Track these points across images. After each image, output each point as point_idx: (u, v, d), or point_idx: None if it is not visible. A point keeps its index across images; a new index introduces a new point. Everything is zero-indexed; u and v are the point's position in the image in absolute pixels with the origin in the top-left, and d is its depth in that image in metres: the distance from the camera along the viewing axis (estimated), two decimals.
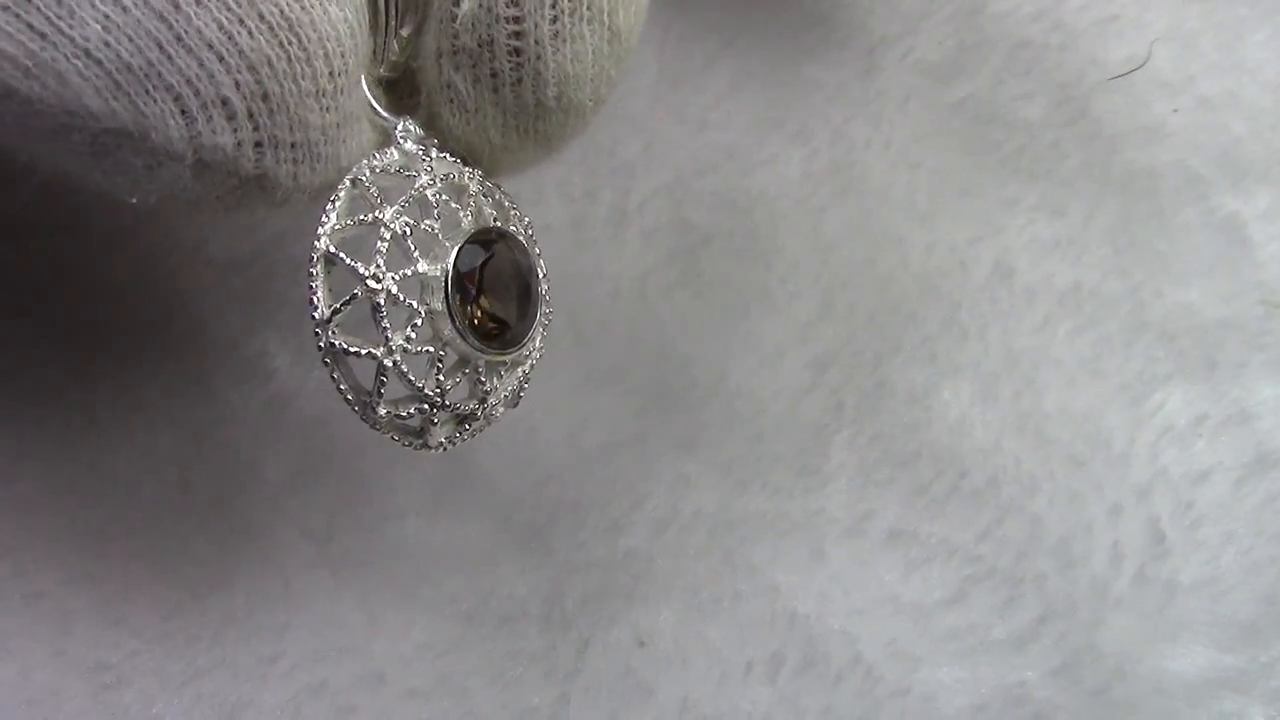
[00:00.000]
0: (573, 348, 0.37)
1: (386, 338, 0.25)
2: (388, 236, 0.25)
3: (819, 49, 0.41)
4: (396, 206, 0.26)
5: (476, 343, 0.26)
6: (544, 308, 0.28)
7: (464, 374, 0.27)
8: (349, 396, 0.27)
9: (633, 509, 0.35)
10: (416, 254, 0.26)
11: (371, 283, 0.25)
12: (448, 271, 0.26)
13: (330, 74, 0.25)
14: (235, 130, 0.24)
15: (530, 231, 0.29)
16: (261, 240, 0.35)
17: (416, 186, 0.26)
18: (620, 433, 0.36)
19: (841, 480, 0.36)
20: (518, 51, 0.26)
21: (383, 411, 0.26)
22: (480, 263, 0.26)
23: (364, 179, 0.26)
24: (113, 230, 0.35)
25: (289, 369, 0.34)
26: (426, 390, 0.26)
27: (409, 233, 0.26)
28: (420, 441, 0.27)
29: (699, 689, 0.32)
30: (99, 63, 0.23)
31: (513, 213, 0.28)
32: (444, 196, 0.27)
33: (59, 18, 0.23)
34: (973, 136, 0.41)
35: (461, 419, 0.28)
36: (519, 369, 0.28)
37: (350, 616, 0.32)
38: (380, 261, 0.25)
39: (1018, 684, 0.34)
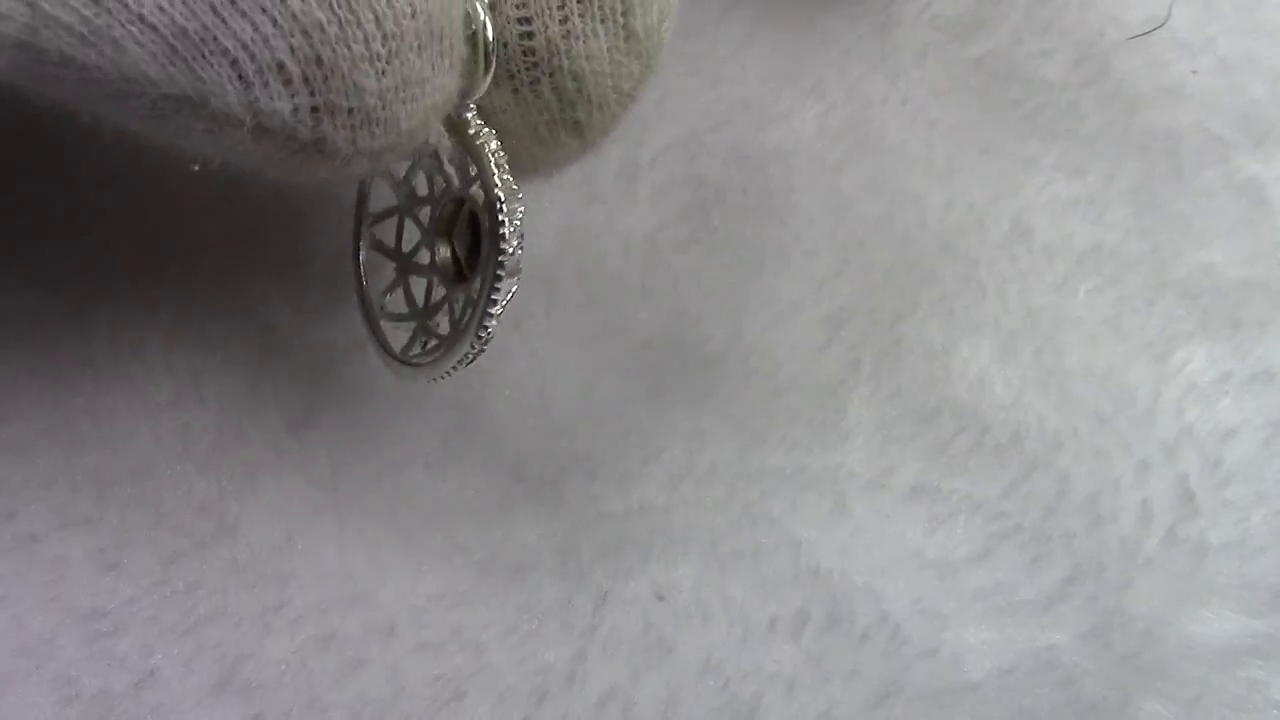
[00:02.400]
0: (585, 303, 0.36)
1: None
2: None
3: (835, 2, 0.40)
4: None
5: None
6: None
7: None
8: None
9: (647, 461, 0.33)
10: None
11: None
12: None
13: (383, 37, 0.24)
14: (293, 95, 0.24)
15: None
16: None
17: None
18: (633, 388, 0.35)
19: (860, 437, 0.35)
20: (531, 52, 0.26)
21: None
22: None
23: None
24: (105, 173, 0.33)
25: (290, 317, 0.33)
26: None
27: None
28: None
29: (721, 646, 0.31)
30: (154, 28, 0.23)
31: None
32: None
33: None
34: (991, 94, 0.40)
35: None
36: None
37: (358, 565, 0.31)
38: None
39: (1046, 648, 0.33)
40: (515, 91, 0.27)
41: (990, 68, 0.40)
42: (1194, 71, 0.41)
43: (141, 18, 0.23)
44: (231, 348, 0.33)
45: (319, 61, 0.24)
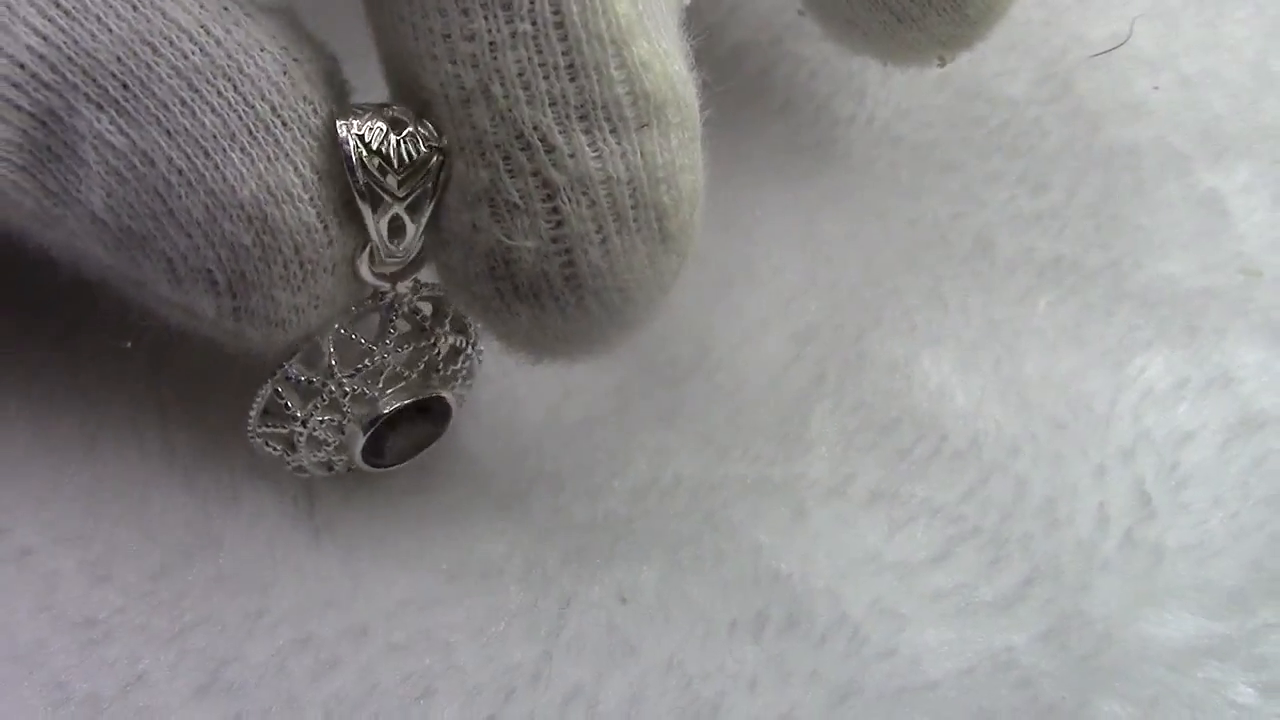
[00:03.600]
0: None
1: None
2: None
3: (801, 23, 0.42)
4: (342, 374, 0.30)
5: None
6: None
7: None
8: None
9: (612, 476, 0.35)
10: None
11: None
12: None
13: (300, 264, 0.28)
14: (217, 297, 0.28)
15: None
16: None
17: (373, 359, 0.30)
18: (600, 408, 0.36)
19: (822, 447, 0.36)
20: (573, 278, 0.27)
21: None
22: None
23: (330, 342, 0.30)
24: None
25: None
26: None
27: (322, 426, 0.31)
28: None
29: (683, 647, 0.32)
30: (104, 223, 0.27)
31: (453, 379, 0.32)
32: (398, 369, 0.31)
33: (69, 183, 0.27)
34: (956, 112, 0.41)
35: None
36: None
37: (333, 573, 0.32)
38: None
39: (1005, 649, 0.34)
40: (561, 314, 0.27)
41: (955, 86, 0.42)
42: (1156, 88, 0.42)
43: (93, 214, 0.27)
44: (213, 371, 0.34)
45: (242, 275, 0.27)
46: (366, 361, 0.30)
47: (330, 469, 0.32)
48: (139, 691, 0.30)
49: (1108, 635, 0.34)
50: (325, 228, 0.27)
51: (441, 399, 0.32)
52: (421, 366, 0.31)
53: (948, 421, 0.36)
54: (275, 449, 0.31)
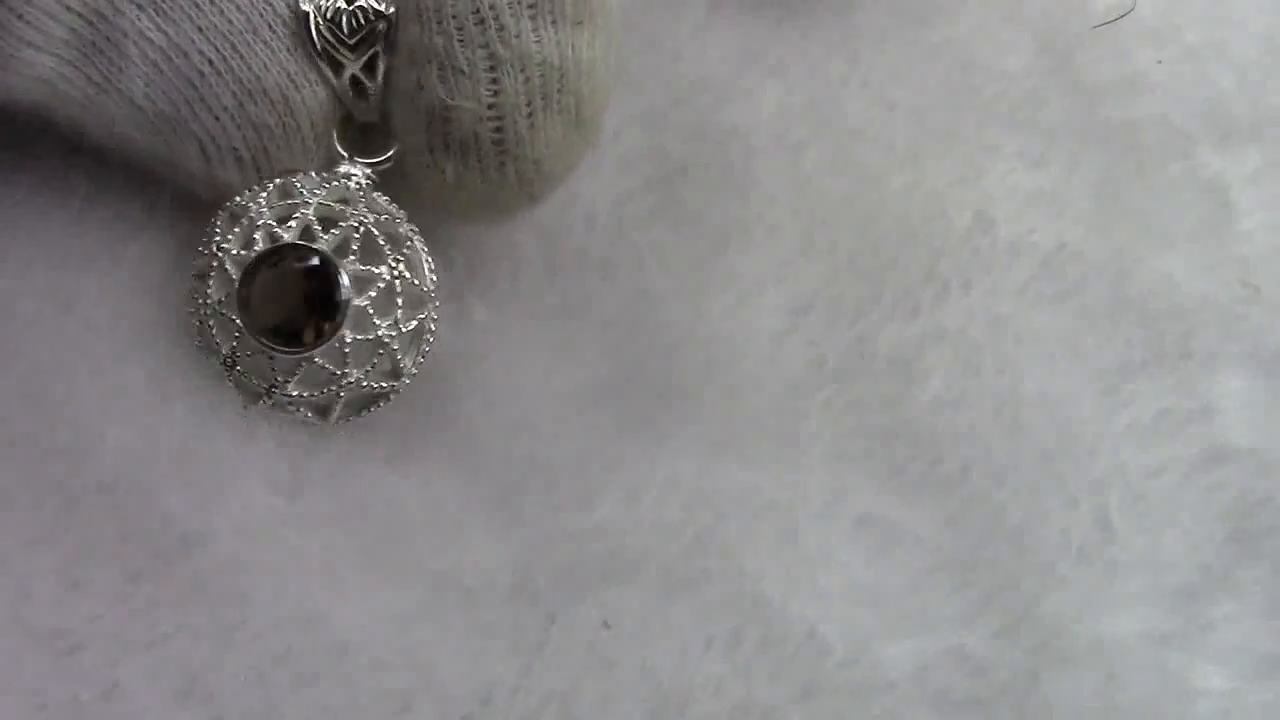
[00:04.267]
0: (545, 275, 0.37)
1: (216, 344, 0.30)
2: (221, 257, 0.31)
3: None
4: (271, 207, 0.31)
5: (268, 342, 0.30)
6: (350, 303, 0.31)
7: (306, 365, 0.31)
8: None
9: (607, 471, 0.34)
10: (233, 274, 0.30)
11: (202, 303, 0.31)
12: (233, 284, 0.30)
13: (316, 137, 0.32)
14: (242, 172, 0.31)
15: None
16: None
17: (295, 200, 0.31)
18: (593, 376, 0.36)
19: (816, 450, 0.36)
20: (500, 143, 0.31)
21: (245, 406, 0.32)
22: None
23: (269, 185, 0.31)
24: (69, 146, 0.33)
25: None
26: (262, 385, 0.30)
27: (237, 254, 0.30)
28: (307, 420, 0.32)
29: (659, 661, 0.33)
30: (141, 110, 0.30)
31: (389, 263, 0.31)
32: (271, 222, 0.31)
33: (110, 74, 0.30)
34: (952, 80, 0.40)
35: (331, 400, 0.31)
36: (378, 347, 0.31)
37: (314, 583, 0.32)
38: (211, 286, 0.31)
39: (959, 645, 0.35)
40: (483, 173, 0.31)
41: (951, 54, 0.40)
42: (1159, 61, 0.40)
43: (132, 101, 0.30)
44: (196, 353, 0.33)
45: (265, 151, 0.31)
46: (292, 199, 0.31)
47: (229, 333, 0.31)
48: (115, 700, 0.30)
49: (1058, 629, 0.36)
50: (331, 100, 0.31)
51: (324, 259, 0.31)
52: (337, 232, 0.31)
53: (943, 441, 0.36)
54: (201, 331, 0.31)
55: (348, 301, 0.30)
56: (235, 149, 0.31)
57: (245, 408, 0.32)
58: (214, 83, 0.30)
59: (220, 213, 0.31)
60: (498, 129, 0.31)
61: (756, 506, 0.34)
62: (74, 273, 0.33)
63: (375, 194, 0.32)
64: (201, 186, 0.32)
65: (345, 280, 0.30)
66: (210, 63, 0.30)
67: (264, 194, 0.31)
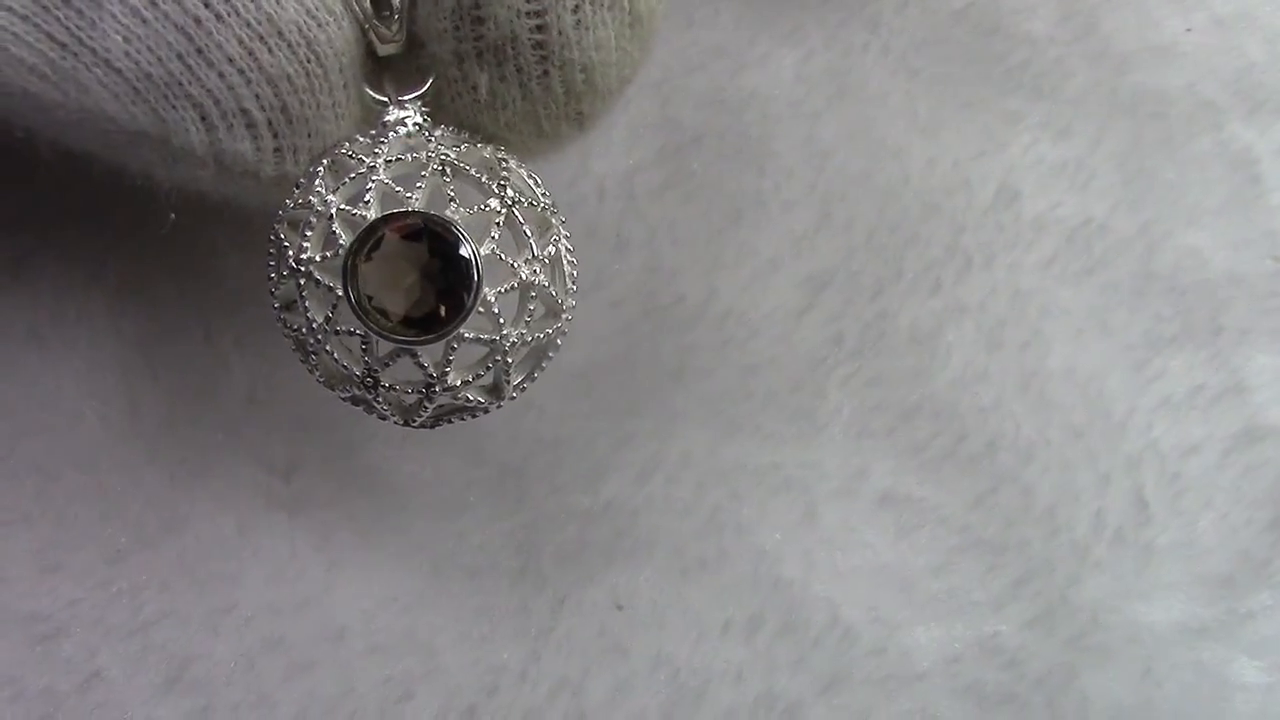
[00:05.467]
0: None
1: (308, 318, 0.26)
2: (315, 221, 0.25)
3: None
4: (332, 191, 0.26)
5: (379, 326, 0.26)
6: (479, 293, 0.26)
7: (405, 357, 0.26)
8: (308, 369, 0.27)
9: (616, 449, 0.33)
10: (343, 237, 0.25)
11: (293, 264, 0.25)
12: (342, 254, 0.25)
13: (344, 86, 0.26)
14: (255, 139, 0.25)
15: (520, 211, 0.27)
16: None
17: (359, 171, 0.26)
18: (604, 354, 0.34)
19: (836, 427, 0.34)
20: (541, 45, 0.26)
21: (326, 387, 0.27)
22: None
23: (321, 165, 0.26)
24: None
25: (239, 270, 0.32)
26: (354, 370, 0.26)
27: (334, 216, 0.25)
28: (381, 416, 0.27)
29: (674, 647, 0.31)
30: (119, 72, 0.24)
31: (496, 193, 0.27)
32: (386, 180, 0.26)
33: (80, 29, 0.24)
34: (974, 47, 0.38)
35: (419, 401, 0.27)
36: (493, 357, 0.27)
37: (308, 564, 0.30)
38: (307, 244, 0.25)
39: (991, 635, 0.33)
40: (522, 86, 0.27)
41: (974, 20, 0.38)
42: (1188, 30, 0.39)
43: (108, 62, 0.24)
44: (184, 308, 0.31)
45: (284, 109, 0.25)
46: (353, 174, 0.26)
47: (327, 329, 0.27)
48: (97, 688, 0.28)
49: (1095, 620, 0.34)
50: (356, 34, 0.26)
51: (444, 224, 0.26)
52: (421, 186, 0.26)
53: (967, 417, 0.34)
54: (290, 329, 0.27)
55: (471, 260, 0.26)
56: (245, 110, 0.25)
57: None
58: (214, 29, 0.24)
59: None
60: (539, 27, 0.26)
61: (774, 485, 0.33)
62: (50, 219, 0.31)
63: (438, 131, 0.27)
64: (192, 168, 0.26)
65: (464, 241, 0.26)
66: (207, 4, 0.24)
67: (369, 144, 0.26)
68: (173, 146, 0.25)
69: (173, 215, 0.27)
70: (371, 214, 0.25)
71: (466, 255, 0.26)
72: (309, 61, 0.25)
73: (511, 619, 0.30)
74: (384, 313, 0.25)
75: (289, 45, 0.25)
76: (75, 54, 0.24)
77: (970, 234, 0.37)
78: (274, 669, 0.29)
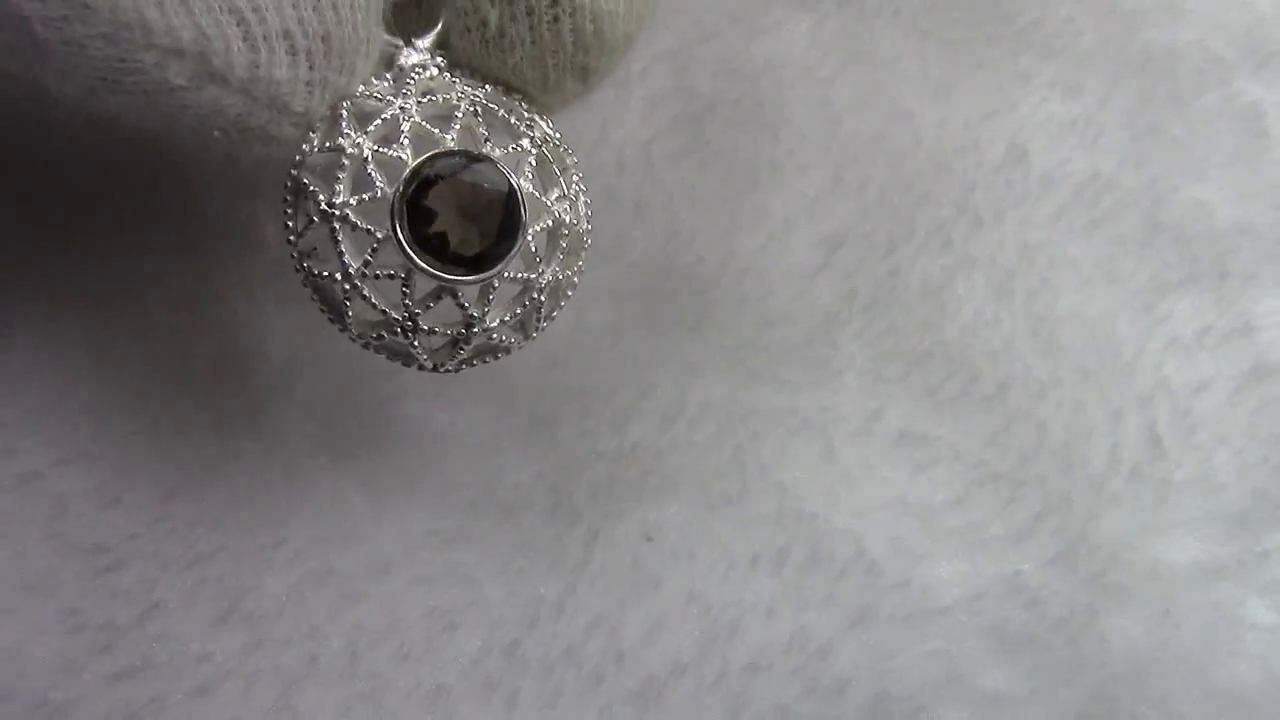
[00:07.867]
0: None
1: (343, 262, 0.26)
2: (347, 164, 0.25)
3: None
4: (362, 133, 0.26)
5: (430, 265, 0.26)
6: (529, 230, 0.27)
7: (446, 298, 0.27)
8: (330, 317, 0.27)
9: (640, 398, 0.34)
10: (379, 179, 0.26)
11: (326, 209, 0.25)
12: (392, 194, 0.25)
13: (376, 24, 0.25)
14: (294, 66, 0.24)
15: (543, 153, 0.28)
16: None
17: (390, 113, 0.26)
18: (626, 313, 0.35)
19: (851, 375, 0.35)
20: None
21: (356, 333, 0.27)
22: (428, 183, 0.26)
23: (343, 109, 0.26)
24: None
25: (278, 239, 0.33)
26: (392, 314, 0.26)
27: (369, 158, 0.26)
28: (406, 362, 0.28)
29: (704, 580, 0.32)
30: None
31: (525, 133, 0.27)
32: (419, 121, 0.26)
33: None
34: (985, 8, 0.39)
35: (453, 342, 0.27)
36: (527, 295, 0.28)
37: (353, 502, 0.31)
38: (339, 188, 0.26)
39: (1014, 573, 0.34)
40: (532, 29, 0.26)
41: None
42: None
43: None
44: (227, 271, 0.32)
45: (326, 38, 0.24)
46: (383, 116, 0.26)
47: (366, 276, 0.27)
48: (155, 620, 0.30)
49: (1115, 558, 0.35)
50: None
51: (491, 163, 0.26)
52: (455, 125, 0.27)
53: (978, 359, 0.35)
54: (321, 275, 0.27)
55: (518, 198, 0.26)
56: (289, 31, 0.24)
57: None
58: None
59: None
60: None
61: (792, 426, 0.34)
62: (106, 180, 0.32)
63: (452, 75, 0.28)
64: (228, 98, 0.24)
65: (511, 180, 0.26)
66: None
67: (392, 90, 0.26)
68: (211, 66, 0.24)
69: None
70: (407, 155, 0.26)
71: (514, 193, 0.26)
72: None
73: (547, 553, 0.32)
74: (436, 252, 0.26)
75: None
76: None
77: (980, 192, 0.38)
78: (324, 601, 0.30)
